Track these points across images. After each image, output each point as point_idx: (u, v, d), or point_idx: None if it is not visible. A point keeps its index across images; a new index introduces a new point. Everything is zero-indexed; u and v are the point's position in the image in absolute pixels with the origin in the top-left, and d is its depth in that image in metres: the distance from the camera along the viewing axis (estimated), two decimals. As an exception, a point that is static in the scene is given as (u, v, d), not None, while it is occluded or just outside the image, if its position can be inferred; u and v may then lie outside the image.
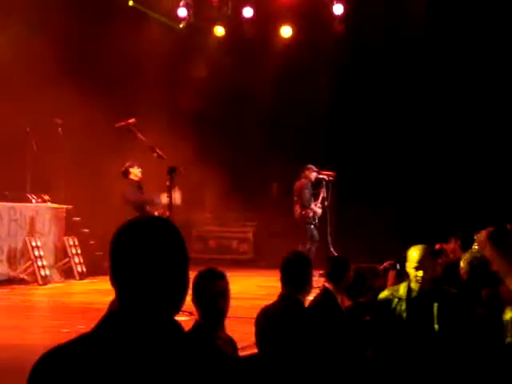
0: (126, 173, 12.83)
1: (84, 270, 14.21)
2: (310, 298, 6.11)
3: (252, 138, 17.55)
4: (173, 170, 10.25)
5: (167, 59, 17.08)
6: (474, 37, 16.69)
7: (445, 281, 6.68)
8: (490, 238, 4.69)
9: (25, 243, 13.29)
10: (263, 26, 17.62)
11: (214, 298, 4.50)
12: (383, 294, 6.01)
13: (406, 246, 5.99)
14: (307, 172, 14.89)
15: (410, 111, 17.33)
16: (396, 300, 5.84)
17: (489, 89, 16.75)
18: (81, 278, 14.03)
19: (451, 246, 9.57)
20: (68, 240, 14.29)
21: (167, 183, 10.44)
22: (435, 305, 5.73)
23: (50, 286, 13.12)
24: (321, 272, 11.13)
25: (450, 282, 6.49)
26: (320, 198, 14.97)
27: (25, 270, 13.21)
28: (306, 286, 5.58)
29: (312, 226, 14.76)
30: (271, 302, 5.62)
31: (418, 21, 17.02)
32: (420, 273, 5.72)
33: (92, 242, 14.79)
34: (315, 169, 14.96)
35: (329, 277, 6.38)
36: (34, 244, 13.27)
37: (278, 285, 5.64)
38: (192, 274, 3.06)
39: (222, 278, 4.60)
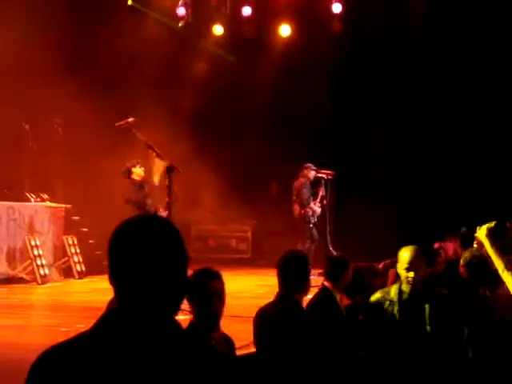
0: (129, 172, 12.82)
1: (83, 269, 14.21)
2: (309, 296, 6.10)
3: (251, 137, 17.54)
4: (171, 169, 10.23)
5: (166, 58, 17.06)
6: (473, 37, 16.70)
7: (445, 280, 6.68)
8: (489, 235, 4.70)
9: (24, 242, 13.28)
10: (262, 25, 17.62)
11: (209, 298, 4.48)
12: (375, 297, 5.99)
13: (406, 244, 5.97)
14: (306, 171, 14.89)
15: (409, 110, 17.33)
16: (388, 302, 5.82)
17: (488, 88, 16.76)
18: (80, 277, 14.03)
19: (449, 244, 9.58)
20: (67, 239, 14.29)
21: (166, 182, 10.42)
22: (427, 306, 5.72)
23: (49, 285, 13.12)
24: (320, 271, 11.17)
25: (450, 281, 6.49)
26: (319, 196, 14.96)
27: (24, 269, 13.20)
28: (304, 286, 5.56)
29: (311, 225, 14.75)
30: (269, 301, 5.61)
31: (416, 20, 17.02)
32: (411, 274, 5.70)
33: (91, 241, 14.79)
34: (314, 168, 14.95)
35: (328, 276, 6.38)
36: (32, 243, 13.27)
37: (277, 284, 5.63)
38: (189, 273, 3.06)
39: (218, 277, 4.58)
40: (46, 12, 14.34)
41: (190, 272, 2.26)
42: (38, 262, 13.16)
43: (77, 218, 14.88)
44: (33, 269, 13.13)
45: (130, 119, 11.36)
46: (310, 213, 14.74)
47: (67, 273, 14.07)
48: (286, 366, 5.19)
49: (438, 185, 16.92)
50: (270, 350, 5.30)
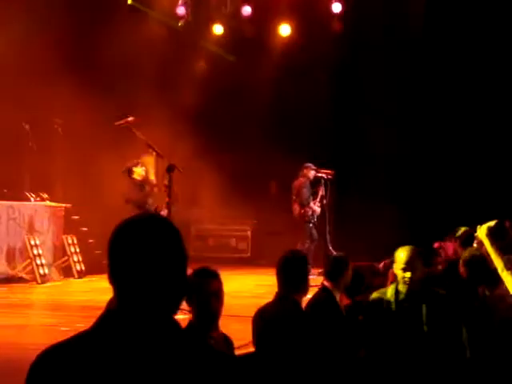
0: (129, 172, 12.82)
1: (83, 268, 14.21)
2: (309, 296, 6.10)
3: (251, 136, 17.54)
4: (171, 168, 10.23)
5: (166, 58, 17.06)
6: (473, 37, 16.70)
7: (445, 280, 6.68)
8: (489, 235, 4.70)
9: (23, 242, 13.28)
10: (262, 25, 17.61)
11: (207, 298, 4.47)
12: (372, 297, 5.99)
13: (406, 244, 5.97)
14: (306, 171, 14.89)
15: (409, 110, 17.33)
16: (385, 302, 5.81)
17: (487, 88, 16.76)
18: (79, 277, 14.03)
19: (449, 244, 9.57)
20: (67, 238, 14.28)
21: (165, 182, 10.42)
22: (424, 306, 5.71)
23: (48, 284, 13.12)
24: (319, 271, 11.18)
25: (450, 280, 6.49)
26: (319, 196, 14.97)
27: (23, 268, 13.20)
28: (303, 286, 5.54)
29: (311, 225, 14.76)
30: (268, 301, 5.61)
31: (416, 20, 17.02)
32: (408, 274, 5.69)
33: (91, 241, 14.79)
34: (314, 167, 14.96)
35: (327, 275, 6.38)
36: (32, 242, 13.26)
37: (276, 283, 5.62)
38: (189, 273, 3.06)
39: (216, 277, 4.58)
40: (46, 12, 14.33)
41: (189, 271, 2.26)
42: (38, 262, 13.15)
43: (76, 217, 14.87)
44: (32, 268, 13.12)
45: (130, 118, 11.37)
46: (310, 212, 14.75)
47: (67, 272, 14.07)
48: (285, 366, 5.19)
49: (437, 184, 16.92)
50: (268, 350, 5.29)
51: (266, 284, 11.63)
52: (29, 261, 13.16)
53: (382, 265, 8.24)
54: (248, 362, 5.39)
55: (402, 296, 5.75)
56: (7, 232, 13.17)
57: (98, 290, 11.16)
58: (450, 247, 9.53)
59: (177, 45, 17.39)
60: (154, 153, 11.45)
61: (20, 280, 13.03)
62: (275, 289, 5.60)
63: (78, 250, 14.31)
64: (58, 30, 14.47)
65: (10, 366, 6.14)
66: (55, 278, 13.62)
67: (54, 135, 14.93)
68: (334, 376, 5.65)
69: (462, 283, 6.10)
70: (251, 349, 5.76)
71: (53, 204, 14.26)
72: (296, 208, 14.84)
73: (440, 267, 8.22)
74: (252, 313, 5.68)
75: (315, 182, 15.09)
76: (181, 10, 17.42)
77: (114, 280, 2.10)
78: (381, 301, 5.85)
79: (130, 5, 16.88)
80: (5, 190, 13.55)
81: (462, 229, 8.49)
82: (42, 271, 13.15)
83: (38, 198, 13.98)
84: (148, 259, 2.07)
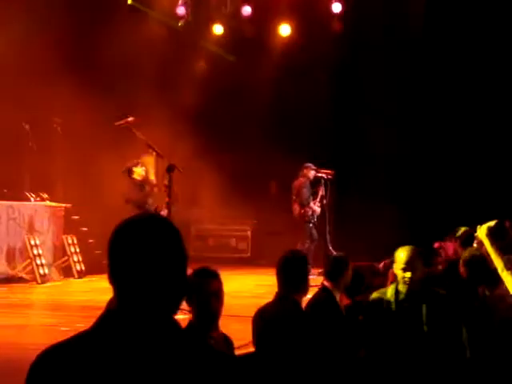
0: (130, 172, 12.82)
1: (83, 268, 14.21)
2: (309, 296, 6.09)
3: (251, 136, 17.54)
4: (171, 168, 10.23)
5: (166, 57, 17.06)
6: (472, 37, 16.70)
7: (445, 280, 6.68)
8: (489, 235, 4.70)
9: (23, 242, 13.28)
10: (262, 25, 17.61)
11: (207, 298, 4.47)
12: (372, 297, 5.99)
13: (406, 244, 5.97)
14: (305, 171, 14.89)
15: (409, 110, 17.33)
16: (385, 302, 5.81)
17: (487, 88, 16.75)
18: (79, 277, 14.03)
19: (449, 244, 9.56)
20: (67, 238, 14.28)
21: (165, 182, 10.42)
22: (424, 306, 5.71)
23: (48, 284, 13.12)
24: (319, 271, 11.18)
25: (450, 280, 6.49)
26: (319, 196, 14.97)
27: (23, 268, 13.20)
28: (303, 286, 5.53)
29: (311, 225, 14.76)
30: (268, 300, 5.60)
31: (416, 20, 17.02)
32: (408, 274, 5.69)
33: (91, 241, 14.79)
34: (314, 167, 14.96)
35: (327, 275, 6.38)
36: (32, 242, 13.26)
37: (276, 283, 5.61)
38: (189, 273, 3.05)
39: (216, 277, 4.58)
40: (46, 12, 14.33)
41: (189, 271, 2.26)
42: (38, 262, 13.15)
43: (76, 217, 14.87)
44: (32, 268, 13.12)
45: (130, 118, 11.37)
46: (310, 212, 14.75)
47: (67, 272, 14.07)
48: (285, 367, 5.19)
49: (437, 184, 16.92)
50: (268, 350, 5.29)
51: (266, 284, 11.63)
52: (29, 261, 13.16)
53: (382, 265, 8.24)
54: (248, 362, 5.38)
55: (401, 296, 5.75)
56: (7, 232, 13.17)
57: (98, 290, 11.16)
58: (450, 247, 9.53)
59: (177, 45, 17.39)
60: (154, 153, 11.45)
61: (20, 280, 13.03)
62: (275, 289, 5.60)
63: (77, 250, 14.31)
64: (58, 29, 14.46)
65: (10, 366, 6.14)
66: (55, 278, 13.62)
67: (54, 135, 14.93)
68: (334, 376, 5.65)
69: (462, 283, 6.10)
70: (251, 349, 5.75)
71: (53, 204, 14.26)
72: (296, 208, 14.84)
73: (440, 267, 8.22)
74: (252, 313, 5.68)
75: (315, 182, 15.09)
76: (181, 10, 17.42)
77: (113, 280, 2.10)
78: (381, 301, 5.85)
79: (129, 5, 16.89)
80: (5, 190, 13.55)
81: (462, 229, 8.49)
82: (41, 271, 13.15)
83: (38, 198, 13.98)
84: (148, 259, 2.07)
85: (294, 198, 14.91)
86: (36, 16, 14.04)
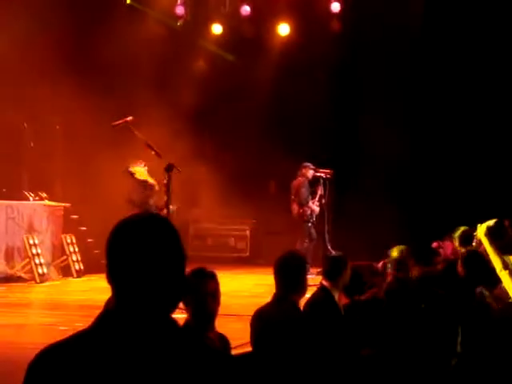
0: (131, 172, 12.83)
1: (81, 267, 14.20)
2: (308, 295, 6.09)
3: (250, 135, 17.54)
4: (170, 167, 10.23)
5: (165, 57, 17.06)
6: (472, 36, 16.70)
7: (444, 279, 6.68)
8: (488, 234, 4.71)
9: (22, 241, 13.27)
10: (261, 24, 17.61)
11: (204, 298, 4.47)
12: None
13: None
14: (304, 170, 14.89)
15: (408, 109, 17.33)
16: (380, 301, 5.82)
17: (487, 88, 16.76)
18: (78, 276, 14.02)
19: (448, 243, 9.57)
20: (65, 238, 14.27)
21: (164, 181, 10.42)
22: (418, 305, 5.71)
23: (47, 283, 13.11)
24: (318, 270, 11.18)
25: (449, 280, 6.49)
26: (317, 195, 14.98)
27: (22, 267, 13.20)
28: (301, 287, 5.50)
29: (309, 224, 14.76)
30: (267, 300, 5.59)
31: (415, 19, 17.02)
32: (400, 274, 5.70)
33: (89, 240, 14.79)
34: (312, 167, 14.96)
35: (326, 275, 6.38)
36: (31, 242, 13.26)
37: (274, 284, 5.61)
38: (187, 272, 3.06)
39: (213, 277, 4.57)
40: (45, 12, 14.32)
41: (187, 271, 2.26)
42: (37, 261, 13.15)
43: (75, 216, 14.87)
44: (31, 267, 13.12)
45: (129, 118, 11.36)
46: (309, 212, 14.75)
47: (66, 271, 14.07)
48: (283, 368, 5.17)
49: (437, 183, 16.92)
50: (267, 351, 5.28)
51: (264, 283, 11.61)
52: (27, 260, 13.15)
53: (380, 264, 8.25)
54: (246, 362, 5.38)
55: (395, 295, 5.76)
56: (6, 231, 13.17)
57: (96, 290, 11.16)
58: (448, 247, 9.54)
59: (176, 44, 17.39)
60: (152, 151, 11.44)
61: (19, 279, 13.03)
62: (274, 288, 5.59)
63: (76, 250, 14.30)
64: (57, 29, 14.46)
65: (9, 366, 6.14)
66: (54, 278, 13.62)
67: (53, 134, 14.93)
68: (333, 376, 5.65)
69: (460, 283, 6.10)
70: (249, 348, 5.75)
71: (52, 203, 14.25)
72: (295, 208, 14.85)
73: (439, 267, 8.22)
74: (251, 312, 5.67)
75: (314, 182, 15.09)
76: (180, 10, 17.42)
77: (112, 279, 2.10)
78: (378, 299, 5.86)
79: (128, 4, 16.88)
80: (4, 190, 13.55)
81: (461, 228, 8.50)
82: (40, 270, 13.15)
83: (37, 198, 13.98)
84: (146, 259, 2.07)
85: (293, 197, 14.91)
86: (36, 16, 14.03)
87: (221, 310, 4.73)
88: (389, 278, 6.78)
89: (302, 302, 5.95)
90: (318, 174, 15.01)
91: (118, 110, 13.18)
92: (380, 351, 5.84)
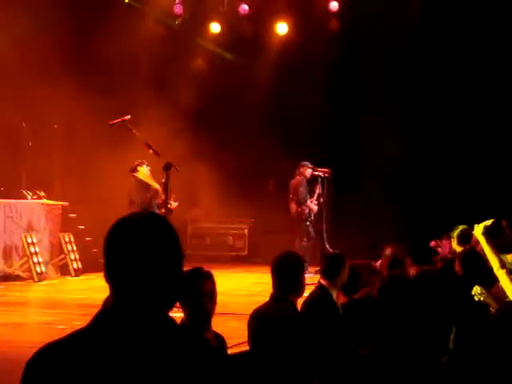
0: (135, 171, 12.83)
1: (80, 266, 14.21)
2: (306, 294, 6.09)
3: (248, 134, 17.54)
4: (168, 166, 10.23)
5: (163, 56, 17.06)
6: (470, 35, 16.70)
7: (442, 278, 6.69)
8: (485, 233, 4.71)
9: (20, 240, 13.28)
10: (259, 23, 17.62)
11: (200, 298, 4.46)
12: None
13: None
14: (302, 169, 14.89)
15: (407, 108, 17.34)
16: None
17: (485, 87, 16.76)
18: (76, 275, 14.03)
19: (446, 242, 9.58)
20: (64, 236, 14.28)
21: (162, 180, 10.43)
22: (413, 303, 5.71)
23: (45, 282, 13.11)
24: (316, 269, 11.19)
25: (447, 279, 6.50)
26: (316, 194, 14.98)
27: (20, 266, 13.20)
28: (298, 287, 5.48)
29: (308, 223, 14.77)
30: (265, 299, 5.59)
31: (414, 18, 17.02)
32: (395, 271, 5.71)
33: (88, 239, 14.79)
34: (310, 166, 14.97)
35: (324, 273, 6.37)
36: (29, 240, 13.26)
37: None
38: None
39: (209, 277, 4.57)
40: (44, 12, 14.32)
41: (184, 270, 2.26)
42: (35, 260, 13.15)
43: (73, 215, 14.87)
44: (29, 266, 13.12)
45: (126, 117, 11.35)
46: (307, 211, 14.76)
47: (64, 270, 14.07)
48: (280, 367, 5.17)
49: (435, 183, 16.93)
50: (264, 351, 5.27)
51: (262, 282, 11.63)
52: (26, 259, 13.15)
53: (379, 263, 8.26)
54: (243, 361, 5.39)
55: (390, 293, 5.76)
56: (4, 230, 13.17)
57: (94, 288, 11.16)
58: (446, 245, 9.55)
59: (174, 43, 17.39)
60: (150, 150, 11.44)
61: (17, 278, 13.03)
62: (272, 287, 5.59)
63: (74, 248, 14.31)
64: (56, 29, 14.46)
65: (7, 364, 6.14)
66: (52, 276, 13.62)
67: (51, 134, 14.93)
68: (331, 375, 5.65)
69: (457, 281, 6.11)
70: (247, 347, 5.75)
71: (50, 202, 14.25)
72: (293, 206, 14.85)
73: (438, 265, 8.24)
74: (249, 311, 5.67)
75: (312, 181, 15.10)
76: (178, 9, 17.43)
77: (110, 278, 2.10)
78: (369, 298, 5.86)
79: (126, 3, 16.88)
80: (2, 188, 13.55)
81: (460, 227, 8.50)
82: (38, 269, 13.15)
83: (35, 196, 13.97)
84: (144, 257, 2.07)
85: (291, 196, 14.91)
86: (35, 16, 14.04)
87: (218, 309, 4.73)
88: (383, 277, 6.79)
89: (300, 301, 5.95)
90: (317, 173, 15.01)
91: (117, 109, 13.18)
92: (377, 350, 5.84)
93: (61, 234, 14.28)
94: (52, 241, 14.12)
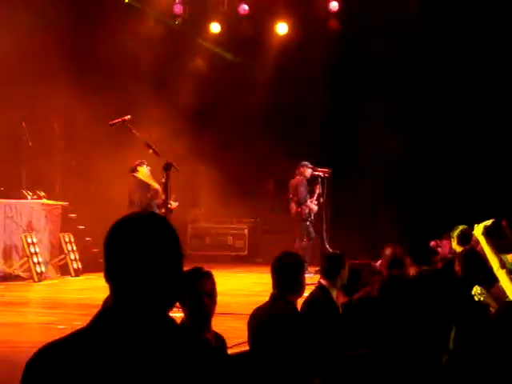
0: (135, 171, 12.83)
1: (80, 266, 14.21)
2: (306, 294, 6.09)
3: (249, 134, 17.54)
4: (168, 166, 10.22)
5: (163, 56, 17.06)
6: (470, 35, 16.70)
7: (442, 278, 6.69)
8: (485, 233, 4.71)
9: (20, 240, 13.27)
10: (259, 23, 17.62)
11: (200, 299, 4.46)
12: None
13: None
14: (302, 169, 14.89)
15: (407, 108, 17.33)
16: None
17: (485, 87, 16.77)
18: (76, 275, 14.03)
19: (446, 242, 9.58)
20: (64, 236, 14.27)
21: (162, 180, 10.42)
22: (412, 303, 5.71)
23: (45, 282, 13.11)
24: (317, 269, 11.19)
25: (447, 278, 6.50)
26: (316, 194, 14.98)
27: (20, 266, 13.20)
28: (298, 288, 5.47)
29: (308, 223, 14.77)
30: (265, 299, 5.59)
31: (413, 18, 17.02)
32: (394, 271, 5.71)
33: (88, 239, 14.79)
34: (310, 165, 14.96)
35: (324, 273, 6.37)
36: (29, 240, 13.25)
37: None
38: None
39: (209, 277, 4.57)
40: (44, 11, 14.32)
41: (184, 270, 2.26)
42: (35, 260, 13.14)
43: (73, 215, 14.87)
44: (29, 266, 13.11)
45: (126, 117, 11.35)
46: (307, 211, 14.75)
47: (64, 270, 14.07)
48: (280, 367, 5.17)
49: (435, 183, 16.93)
50: (263, 351, 5.27)
51: (262, 282, 11.63)
52: (26, 259, 13.15)
53: (379, 263, 8.26)
54: (243, 361, 5.38)
55: (389, 293, 5.77)
56: (4, 230, 13.16)
57: (94, 288, 11.16)
58: (446, 245, 9.55)
59: (174, 43, 17.39)
60: (150, 150, 11.44)
61: (17, 278, 13.03)
62: (272, 287, 5.58)
63: (74, 248, 14.31)
64: (56, 29, 14.46)
65: (7, 364, 6.14)
66: (52, 276, 13.62)
67: (52, 133, 14.93)
68: (331, 375, 5.65)
69: (457, 281, 6.11)
70: (247, 347, 5.75)
71: (50, 202, 14.25)
72: (293, 206, 14.85)
73: (438, 265, 8.23)
74: (249, 311, 5.67)
75: (312, 180, 15.10)
76: (178, 8, 17.43)
77: (110, 278, 2.10)
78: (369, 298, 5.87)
79: (127, 3, 16.88)
80: (1, 188, 13.54)
81: (460, 227, 8.50)
82: (38, 269, 13.15)
83: (35, 196, 13.97)
84: (144, 257, 2.07)
85: (291, 196, 14.91)
86: (34, 15, 14.03)
87: (218, 309, 4.73)
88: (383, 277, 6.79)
89: (300, 301, 5.95)
90: (317, 173, 15.01)
91: (117, 108, 13.18)
92: (378, 350, 5.84)
93: (61, 234, 14.28)
94: (52, 241, 14.12)
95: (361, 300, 6.10)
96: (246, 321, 5.57)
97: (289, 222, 15.23)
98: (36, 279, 13.03)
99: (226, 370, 2.12)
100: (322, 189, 15.01)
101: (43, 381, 2.02)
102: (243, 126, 17.59)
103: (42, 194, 14.13)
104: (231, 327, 7.17)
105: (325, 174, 15.00)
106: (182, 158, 13.73)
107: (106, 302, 2.13)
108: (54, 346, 2.07)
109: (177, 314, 4.13)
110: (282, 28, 17.87)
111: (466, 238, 7.91)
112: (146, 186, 12.80)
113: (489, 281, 5.31)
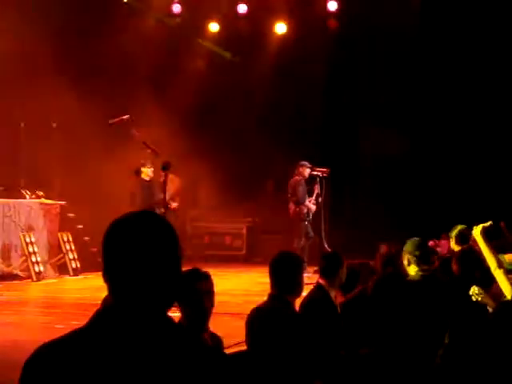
0: (138, 172, 12.82)
1: (78, 265, 14.20)
2: (304, 294, 6.09)
3: (248, 134, 17.55)
4: (167, 165, 10.23)
5: (162, 55, 17.07)
6: (469, 35, 16.71)
7: (439, 277, 6.69)
8: (483, 234, 4.72)
9: (19, 239, 13.28)
10: (257, 23, 17.63)
11: (198, 299, 4.47)
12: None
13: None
14: (301, 169, 14.89)
15: (406, 108, 17.35)
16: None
17: (485, 87, 16.78)
18: (75, 274, 14.02)
19: (444, 242, 9.58)
20: (62, 236, 14.27)
21: (161, 179, 10.43)
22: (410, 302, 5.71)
23: (43, 281, 13.12)
24: (315, 269, 11.19)
25: (444, 278, 6.51)
26: (314, 194, 14.98)
27: (19, 265, 13.20)
28: (296, 288, 5.45)
29: (306, 223, 14.77)
30: (263, 299, 5.59)
31: (412, 18, 17.03)
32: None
33: (86, 238, 14.79)
34: (309, 165, 14.96)
35: (322, 273, 6.38)
36: (28, 240, 13.26)
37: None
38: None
39: (207, 278, 4.58)
40: (43, 11, 14.32)
41: (182, 270, 2.26)
42: (33, 259, 13.15)
43: (72, 214, 14.87)
44: (28, 266, 13.12)
45: (125, 116, 11.36)
46: (305, 210, 14.75)
47: (62, 270, 14.07)
48: (278, 367, 5.17)
49: (434, 183, 16.94)
50: (262, 351, 5.27)
51: (261, 282, 11.64)
52: (24, 258, 13.16)
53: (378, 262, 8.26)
54: (241, 360, 5.39)
55: (384, 292, 5.75)
56: (2, 229, 13.17)
57: (93, 288, 11.17)
58: (444, 245, 9.55)
59: (173, 43, 17.39)
60: (149, 150, 11.45)
61: (15, 277, 13.04)
62: (270, 287, 5.59)
63: (73, 248, 14.31)
64: (55, 28, 14.46)
65: (5, 364, 6.15)
66: (50, 276, 13.62)
67: (50, 133, 14.92)
68: (330, 375, 5.66)
69: (455, 281, 6.11)
70: (245, 347, 5.76)
71: (48, 201, 14.25)
72: (292, 207, 14.85)
73: (435, 265, 8.24)
74: (247, 310, 5.67)
75: (310, 180, 15.10)
76: (176, 8, 17.44)
77: (108, 277, 2.11)
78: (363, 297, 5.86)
79: (126, 3, 16.88)
80: (0, 188, 13.54)
81: (458, 227, 8.51)
82: (37, 268, 13.15)
83: (34, 196, 13.98)
84: (142, 256, 2.07)
85: (290, 196, 14.91)
86: (33, 15, 14.04)
87: (217, 309, 4.74)
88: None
89: (299, 301, 5.95)
90: (315, 173, 15.00)
91: (116, 108, 13.19)
92: (377, 350, 5.84)
93: (59, 234, 14.28)
94: (50, 240, 14.12)
95: (355, 299, 6.10)
96: (243, 320, 5.57)
97: (287, 222, 15.24)
98: (34, 278, 13.04)
99: (224, 370, 2.12)
100: (321, 188, 15.01)
101: (41, 380, 2.03)
102: (243, 125, 17.59)
103: (41, 193, 14.14)
104: (229, 327, 7.17)
105: (323, 173, 15.00)
106: (182, 157, 13.76)
107: (105, 301, 2.14)
108: (53, 345, 2.08)
109: (175, 314, 4.14)
110: (280, 28, 17.88)
111: (464, 238, 7.91)
112: (150, 186, 12.82)
113: (486, 280, 5.32)
